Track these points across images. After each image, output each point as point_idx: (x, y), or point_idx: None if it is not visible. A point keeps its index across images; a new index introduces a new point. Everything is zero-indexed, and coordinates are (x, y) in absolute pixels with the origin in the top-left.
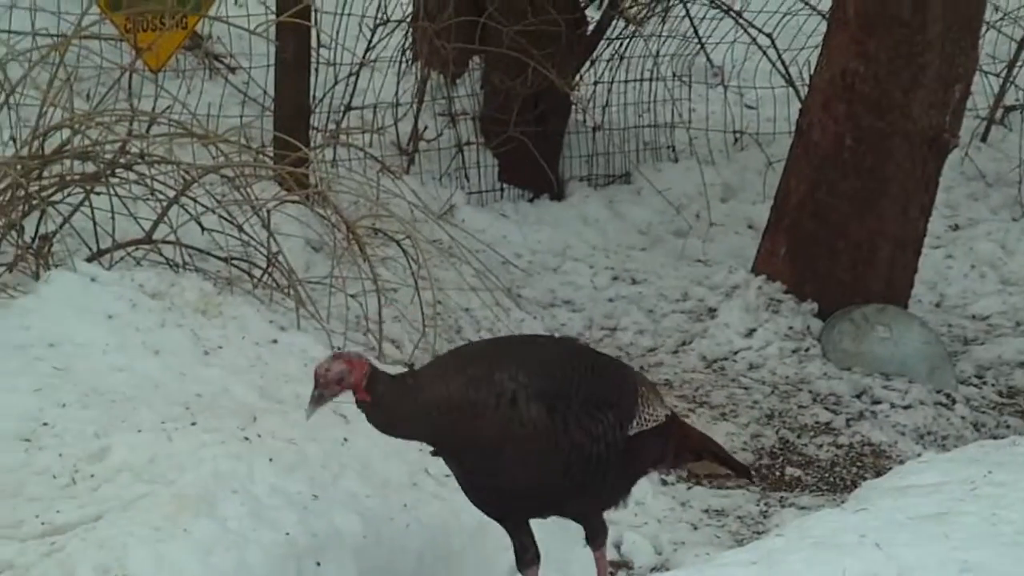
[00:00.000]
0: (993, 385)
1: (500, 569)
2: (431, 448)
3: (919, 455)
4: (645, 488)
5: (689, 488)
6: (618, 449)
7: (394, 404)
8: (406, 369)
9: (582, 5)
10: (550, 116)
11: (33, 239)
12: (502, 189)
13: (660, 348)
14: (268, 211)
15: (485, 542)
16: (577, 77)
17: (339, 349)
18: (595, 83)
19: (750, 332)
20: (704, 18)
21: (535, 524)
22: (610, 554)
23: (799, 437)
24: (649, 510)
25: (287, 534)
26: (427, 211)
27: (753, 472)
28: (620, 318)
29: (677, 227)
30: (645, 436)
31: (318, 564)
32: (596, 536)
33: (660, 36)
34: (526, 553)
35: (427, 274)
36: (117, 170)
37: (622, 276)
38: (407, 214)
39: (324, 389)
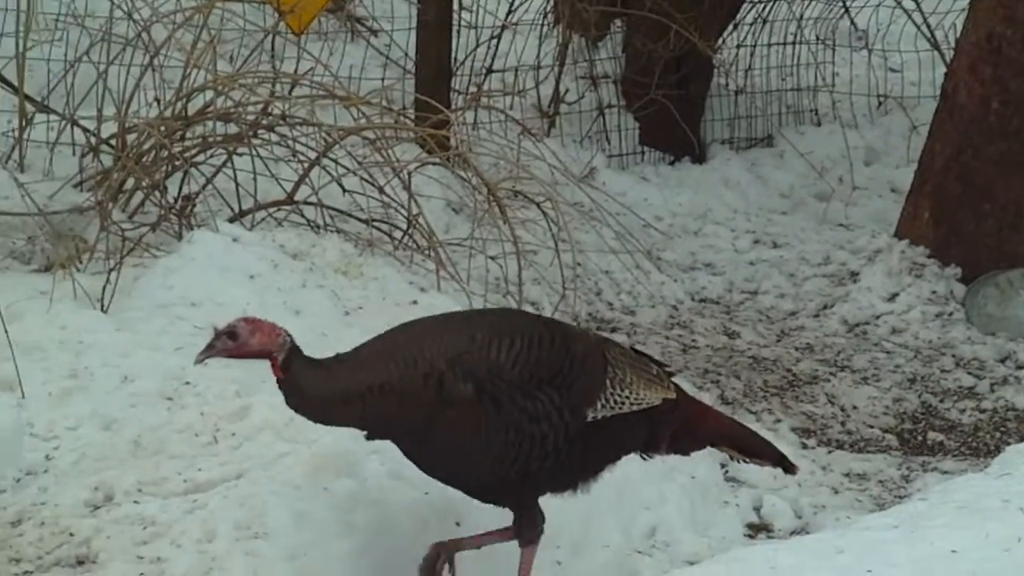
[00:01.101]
0: None
1: (639, 528)
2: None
3: None
4: (785, 452)
5: (830, 452)
6: (568, 433)
7: (309, 387)
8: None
9: None
10: (692, 79)
11: (176, 199)
12: (643, 152)
13: (801, 312)
14: (409, 173)
15: (623, 501)
16: (720, 40)
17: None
18: (738, 46)
19: (892, 296)
20: None
21: None
22: (749, 517)
23: (942, 402)
24: None
25: (426, 493)
26: (567, 174)
27: (795, 466)
28: (761, 282)
29: (819, 191)
30: (616, 421)
31: (457, 524)
32: (523, 531)
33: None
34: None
35: (567, 236)
36: (259, 131)
37: (763, 240)
38: (548, 176)
39: (215, 340)
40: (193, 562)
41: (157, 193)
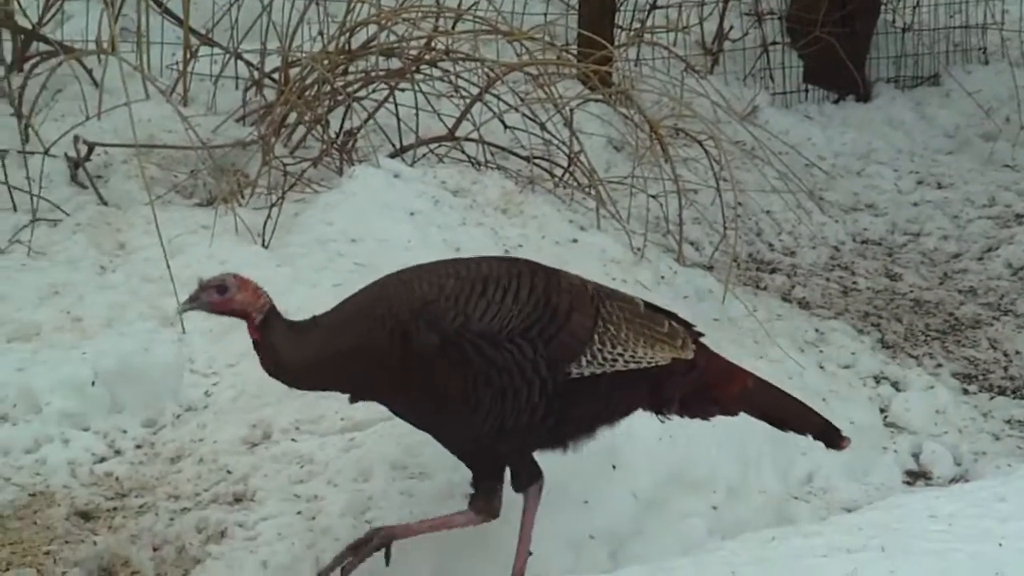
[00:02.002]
0: None
1: (797, 475)
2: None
3: None
4: (946, 398)
5: (991, 398)
6: (546, 388)
7: (284, 352)
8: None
9: None
10: (858, 16)
11: (338, 134)
12: (807, 90)
13: (965, 254)
14: (571, 110)
15: (785, 447)
16: None
17: None
18: None
19: None
20: None
21: None
22: (908, 463)
23: None
24: (950, 419)
25: None
26: (730, 111)
27: (843, 439)
28: (924, 223)
29: (985, 131)
30: (607, 379)
31: (613, 467)
32: (518, 477)
33: None
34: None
35: (729, 175)
36: (422, 66)
37: (927, 180)
38: (710, 114)
39: (202, 292)
40: (349, 501)
41: (319, 128)
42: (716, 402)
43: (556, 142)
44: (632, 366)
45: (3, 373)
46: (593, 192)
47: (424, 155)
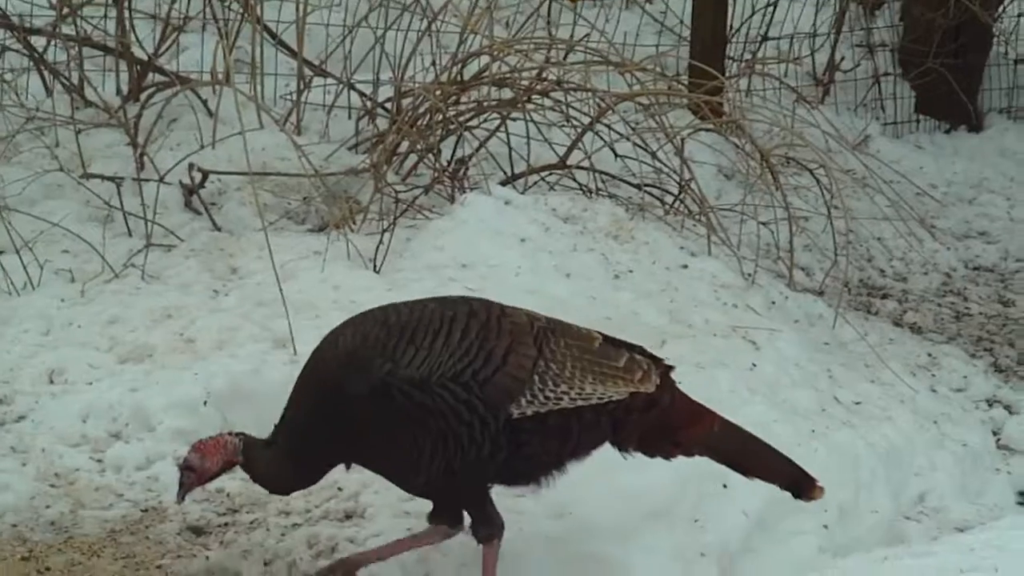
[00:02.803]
0: None
1: (909, 494)
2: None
3: None
4: None
5: None
6: (487, 430)
7: (269, 478)
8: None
9: None
10: (970, 48)
11: (450, 162)
12: (918, 120)
13: None
14: (682, 139)
15: (893, 468)
16: (1000, 9)
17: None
18: (1019, 15)
19: None
20: None
21: None
22: (1022, 485)
23: None
24: None
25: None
26: (841, 141)
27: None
28: None
29: None
30: (556, 417)
31: (724, 486)
32: (478, 528)
33: None
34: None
35: (840, 203)
36: (533, 96)
37: None
38: (821, 144)
39: (183, 476)
40: None
41: (431, 156)
42: (678, 443)
43: (667, 170)
44: (581, 403)
45: (117, 393)
46: (704, 219)
47: (535, 183)
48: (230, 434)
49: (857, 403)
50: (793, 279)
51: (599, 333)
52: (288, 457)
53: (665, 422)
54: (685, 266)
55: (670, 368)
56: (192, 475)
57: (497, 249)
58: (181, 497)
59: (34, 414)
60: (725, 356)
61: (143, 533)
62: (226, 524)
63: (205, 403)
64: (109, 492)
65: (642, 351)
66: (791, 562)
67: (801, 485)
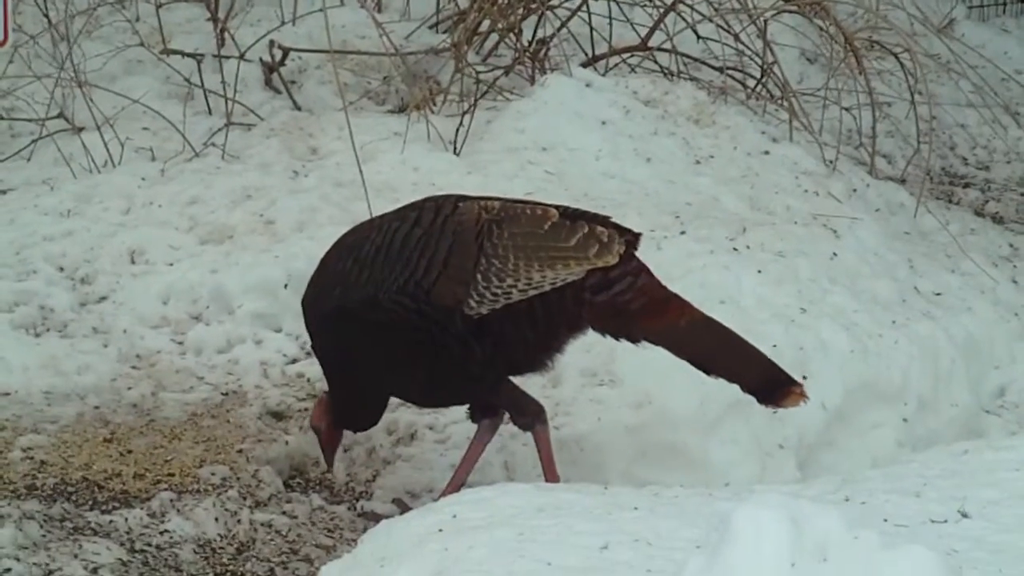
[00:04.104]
0: None
1: (988, 388)
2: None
3: None
4: None
5: None
6: (451, 333)
7: (354, 413)
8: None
9: None
10: None
11: (531, 43)
12: (1004, 4)
13: None
14: (765, 21)
15: (978, 360)
16: None
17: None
18: None
19: None
20: None
21: None
22: None
23: None
24: None
25: (774, 346)
26: (926, 24)
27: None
28: None
29: None
30: (514, 310)
31: (804, 377)
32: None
33: None
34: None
35: (924, 88)
36: None
37: None
38: (906, 27)
39: (324, 447)
40: None
41: (512, 36)
42: (637, 331)
43: (749, 53)
44: (533, 292)
45: (197, 274)
46: (786, 104)
47: (616, 65)
48: (323, 392)
49: (937, 294)
50: (875, 166)
51: (557, 208)
52: (340, 398)
53: (624, 309)
54: (766, 152)
55: (637, 237)
56: (318, 438)
57: (577, 132)
58: (327, 462)
59: (115, 295)
60: (805, 244)
61: (223, 417)
62: (306, 409)
63: (285, 286)
64: (190, 375)
65: (605, 221)
66: (869, 455)
67: (776, 389)
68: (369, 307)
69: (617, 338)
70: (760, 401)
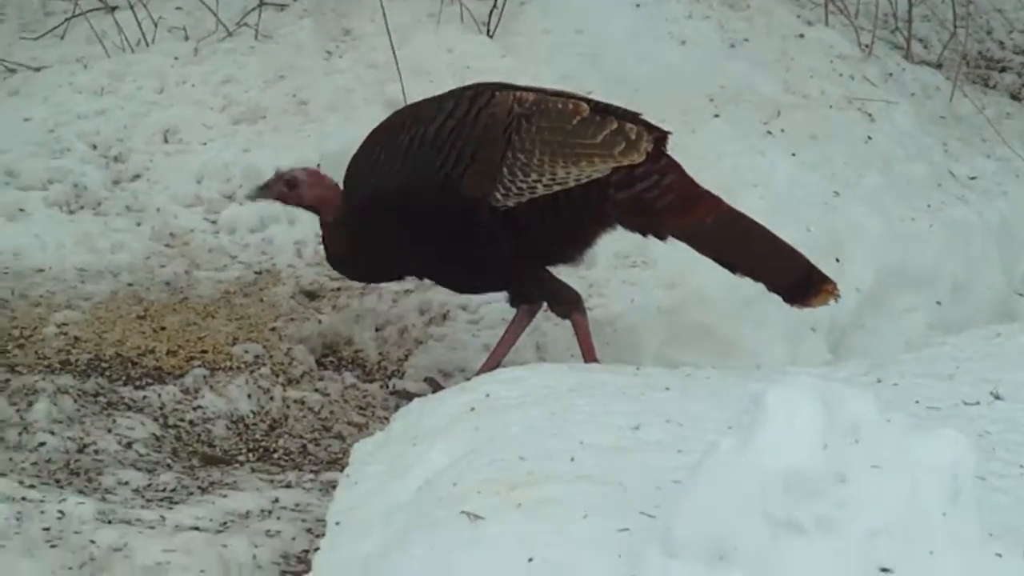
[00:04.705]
0: None
1: (1022, 271)
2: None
3: None
4: None
5: None
6: (478, 221)
7: (337, 247)
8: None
9: None
10: None
11: None
12: None
13: None
14: None
15: (1011, 243)
16: None
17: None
18: None
19: None
20: None
21: None
22: None
23: None
24: None
25: (808, 230)
26: None
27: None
28: None
29: None
30: (540, 203)
31: (837, 260)
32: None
33: None
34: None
35: None
36: None
37: None
38: None
39: (274, 182)
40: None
41: None
42: (663, 228)
43: None
44: (557, 187)
45: (230, 153)
46: None
47: None
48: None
49: (972, 178)
50: (911, 50)
51: (589, 103)
52: (352, 244)
53: (650, 205)
54: (801, 35)
55: (665, 135)
56: (285, 190)
57: (612, 14)
58: (254, 196)
59: (149, 173)
60: (840, 128)
61: (257, 295)
62: (339, 289)
63: (318, 165)
64: (223, 254)
65: (634, 118)
66: (902, 338)
67: (808, 288)
68: (401, 197)
69: (645, 235)
70: (786, 300)
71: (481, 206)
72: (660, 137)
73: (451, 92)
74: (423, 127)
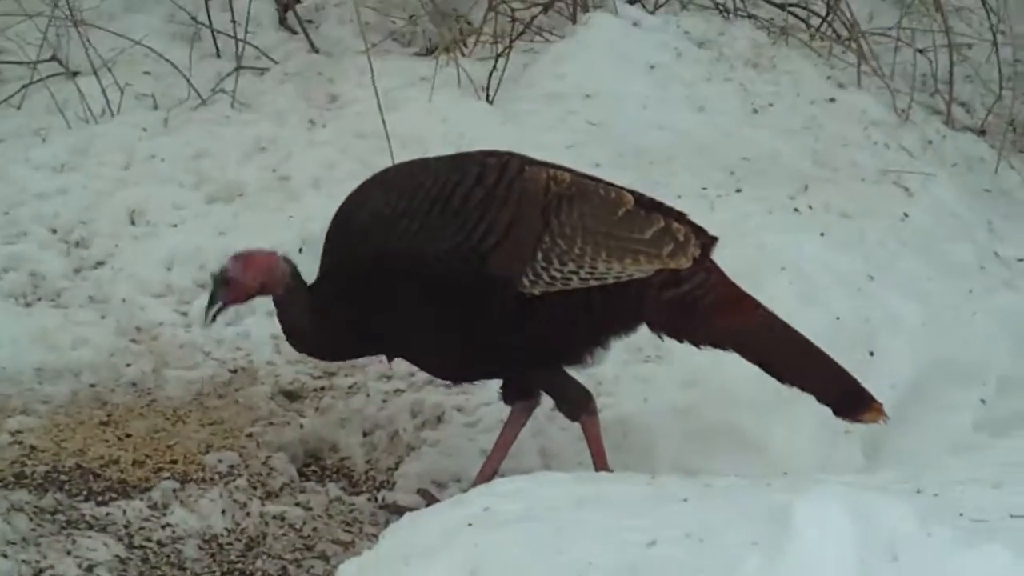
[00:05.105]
0: None
1: None
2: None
3: None
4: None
5: None
6: (498, 304)
7: (296, 321)
8: None
9: None
10: None
11: None
12: None
13: None
14: None
15: None
16: None
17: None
18: None
19: None
20: None
21: None
22: None
23: None
24: None
25: (837, 318)
26: None
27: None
28: None
29: None
30: (570, 296)
31: (871, 354)
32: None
33: None
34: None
35: (1007, 28)
36: None
37: None
38: None
39: (217, 290)
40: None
41: None
42: (705, 334)
43: None
44: (594, 283)
45: (203, 236)
46: (854, 45)
47: (666, 1)
48: (284, 257)
49: (1020, 260)
50: (951, 116)
51: (634, 194)
52: (324, 314)
53: (693, 306)
54: (832, 99)
55: (713, 240)
56: (226, 290)
57: (623, 77)
58: (210, 318)
59: (113, 260)
60: (873, 203)
61: (232, 397)
62: (322, 388)
63: (301, 250)
64: (195, 350)
65: (681, 218)
66: (943, 440)
67: (851, 404)
68: (413, 262)
69: (680, 339)
70: (836, 414)
71: (506, 289)
72: (707, 243)
73: (469, 155)
74: (446, 190)
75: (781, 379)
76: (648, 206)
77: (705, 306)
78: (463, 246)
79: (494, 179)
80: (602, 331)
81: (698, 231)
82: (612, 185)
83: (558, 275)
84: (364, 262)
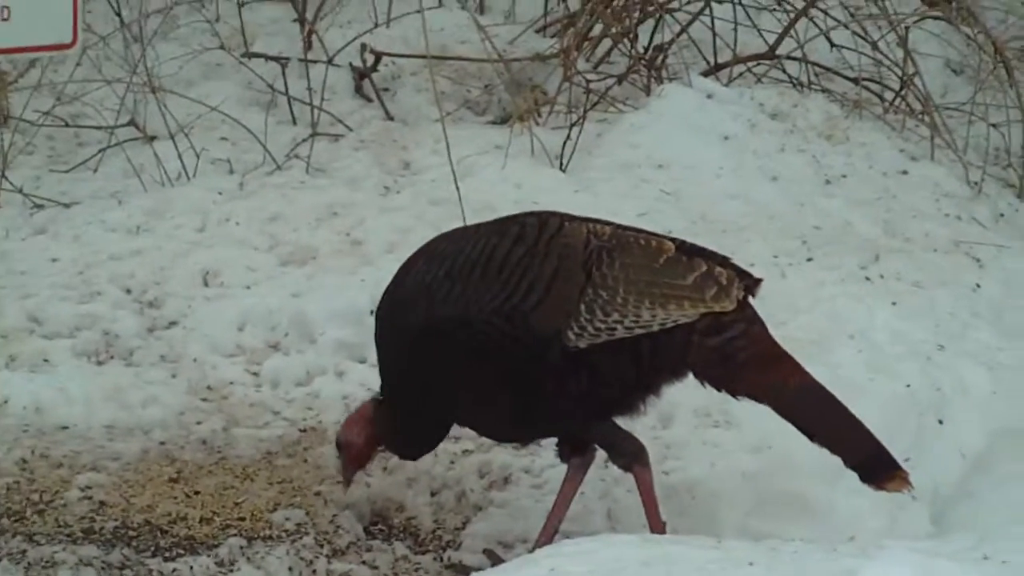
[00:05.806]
0: None
1: None
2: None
3: None
4: None
5: None
6: (545, 361)
7: (393, 432)
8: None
9: None
10: None
11: (647, 49)
12: None
13: None
14: (906, 27)
15: None
16: None
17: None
18: None
19: None
20: None
21: None
22: None
23: None
24: None
25: (907, 386)
26: None
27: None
28: None
29: None
30: (617, 346)
31: (940, 422)
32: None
33: None
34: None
35: None
36: None
37: None
38: None
39: (341, 458)
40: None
41: (627, 41)
42: (741, 385)
43: (888, 63)
44: (640, 331)
45: (276, 299)
46: (927, 119)
47: (741, 74)
48: (373, 399)
49: None
50: None
51: (675, 241)
52: (399, 417)
53: (732, 358)
54: (904, 172)
55: (757, 282)
56: (344, 454)
57: (697, 148)
58: (348, 482)
59: (186, 320)
60: (946, 274)
61: (301, 455)
62: None
63: (372, 313)
64: (265, 409)
65: (724, 262)
66: (1013, 508)
67: (877, 470)
68: (458, 326)
69: (719, 388)
70: (862, 480)
71: (552, 344)
72: (750, 284)
73: (511, 218)
74: (487, 252)
75: (811, 438)
76: (690, 252)
77: (744, 360)
78: (506, 305)
79: (534, 237)
80: (651, 379)
81: (741, 274)
82: (653, 234)
83: (602, 326)
84: (408, 336)
